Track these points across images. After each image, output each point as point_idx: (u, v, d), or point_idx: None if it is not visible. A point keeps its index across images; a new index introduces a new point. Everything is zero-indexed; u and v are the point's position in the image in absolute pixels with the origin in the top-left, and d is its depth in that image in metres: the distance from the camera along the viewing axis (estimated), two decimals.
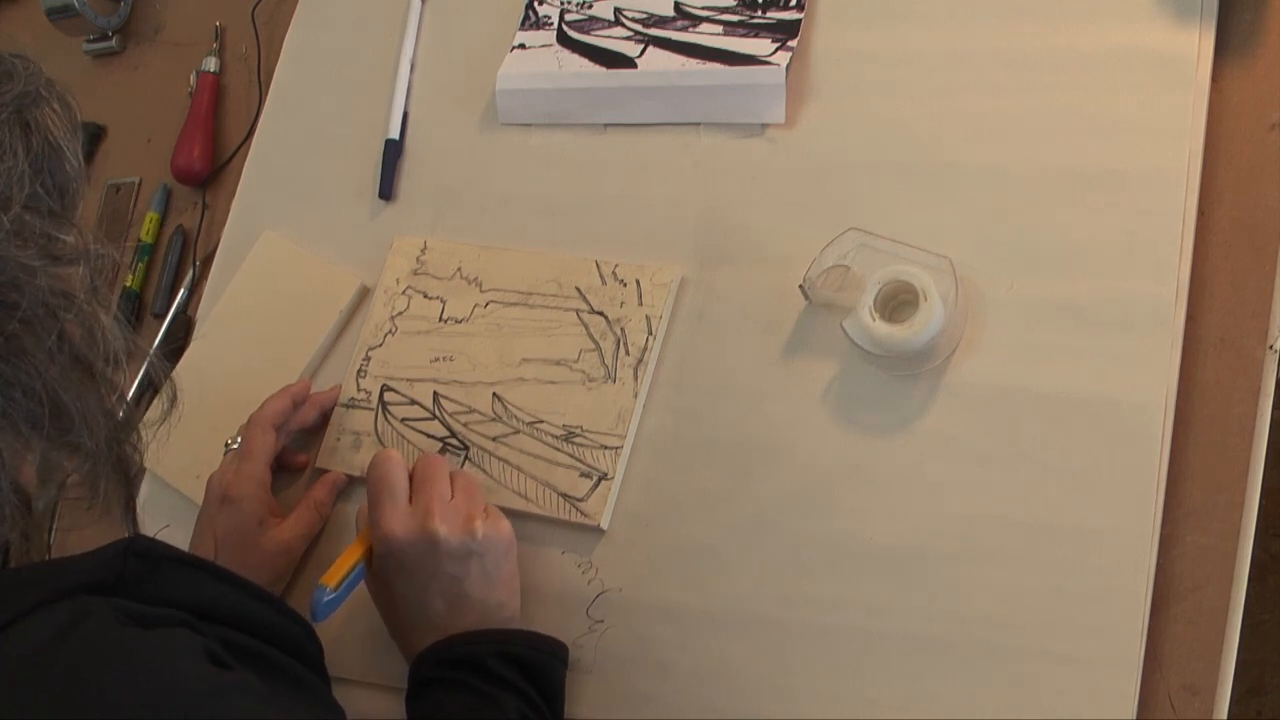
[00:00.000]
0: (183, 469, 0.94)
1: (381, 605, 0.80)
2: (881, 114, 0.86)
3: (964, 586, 0.74)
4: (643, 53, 0.93)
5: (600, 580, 0.81)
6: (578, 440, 0.84)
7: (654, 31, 0.94)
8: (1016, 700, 0.71)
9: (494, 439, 0.86)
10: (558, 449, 0.84)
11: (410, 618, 0.78)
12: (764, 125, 0.89)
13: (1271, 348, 0.73)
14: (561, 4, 0.98)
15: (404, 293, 0.93)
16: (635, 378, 0.84)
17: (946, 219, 0.81)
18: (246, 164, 1.05)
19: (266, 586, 0.83)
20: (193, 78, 1.11)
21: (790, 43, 0.89)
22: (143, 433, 0.65)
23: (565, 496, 0.83)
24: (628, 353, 0.85)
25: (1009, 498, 0.74)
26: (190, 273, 1.04)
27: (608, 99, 0.93)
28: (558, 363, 0.87)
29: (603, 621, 0.80)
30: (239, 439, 0.89)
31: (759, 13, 0.91)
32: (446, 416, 0.88)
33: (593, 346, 0.86)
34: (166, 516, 0.95)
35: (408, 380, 0.90)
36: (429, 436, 0.88)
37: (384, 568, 0.77)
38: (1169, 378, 0.74)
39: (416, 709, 0.76)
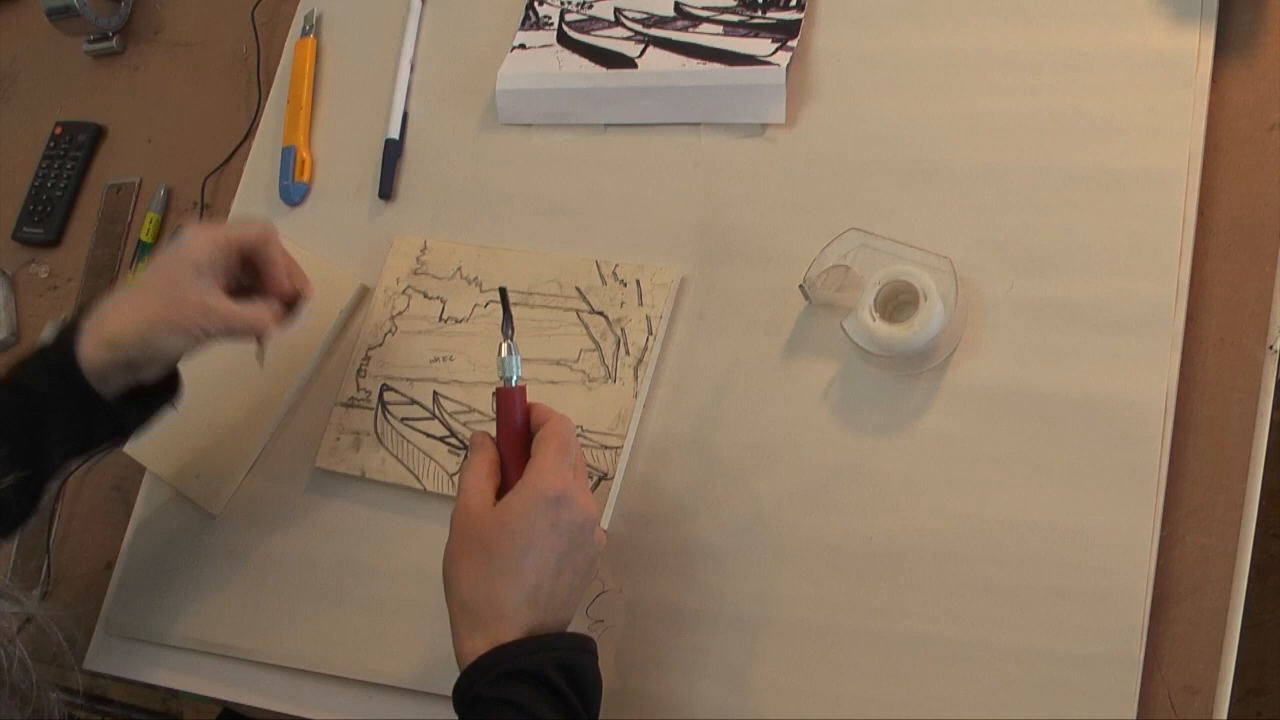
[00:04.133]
0: (182, 469, 0.94)
1: (490, 561, 0.69)
2: (882, 114, 0.86)
3: (964, 586, 0.74)
4: (643, 53, 0.93)
5: (600, 580, 0.81)
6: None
7: (654, 31, 0.94)
8: (1017, 700, 0.71)
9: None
10: None
11: (524, 584, 0.69)
12: (764, 125, 0.89)
13: (1271, 348, 0.73)
14: (562, 4, 0.98)
15: (404, 293, 0.93)
16: (635, 378, 0.84)
17: (946, 219, 0.81)
18: (247, 164, 1.05)
19: (133, 341, 0.77)
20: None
21: (790, 43, 0.89)
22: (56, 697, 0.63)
23: None
24: (628, 353, 0.85)
25: (1009, 498, 0.74)
26: None
27: (608, 99, 0.93)
28: (558, 363, 0.87)
29: (602, 621, 0.80)
30: None
31: (759, 13, 0.91)
32: (446, 416, 0.88)
33: (593, 346, 0.86)
34: (166, 517, 0.95)
35: (408, 380, 0.90)
36: (429, 436, 0.88)
37: (536, 523, 0.69)
38: (1169, 378, 0.74)
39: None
